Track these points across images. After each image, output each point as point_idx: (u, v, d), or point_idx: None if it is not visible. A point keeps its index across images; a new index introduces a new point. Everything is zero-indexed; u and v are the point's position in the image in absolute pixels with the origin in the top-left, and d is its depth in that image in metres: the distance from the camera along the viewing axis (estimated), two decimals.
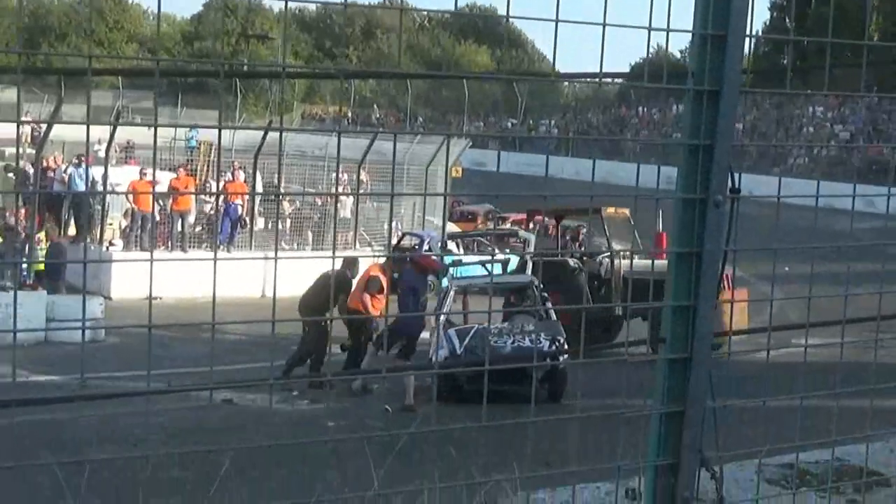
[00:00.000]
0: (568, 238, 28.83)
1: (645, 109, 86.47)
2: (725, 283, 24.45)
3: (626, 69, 73.51)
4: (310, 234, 36.15)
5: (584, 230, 29.60)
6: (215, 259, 3.02)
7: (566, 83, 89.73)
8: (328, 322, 18.37)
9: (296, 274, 18.65)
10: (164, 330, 2.86)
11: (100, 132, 36.20)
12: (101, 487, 5.35)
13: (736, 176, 3.41)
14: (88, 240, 32.72)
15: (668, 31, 3.40)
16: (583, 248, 28.91)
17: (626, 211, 25.46)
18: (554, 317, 21.46)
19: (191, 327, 21.30)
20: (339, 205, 35.76)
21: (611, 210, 26.25)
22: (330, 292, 20.46)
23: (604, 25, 3.31)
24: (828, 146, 61.51)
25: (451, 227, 41.44)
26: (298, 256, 28.78)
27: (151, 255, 3.02)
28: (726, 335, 4.47)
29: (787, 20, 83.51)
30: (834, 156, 60.89)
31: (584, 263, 26.34)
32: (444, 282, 29.30)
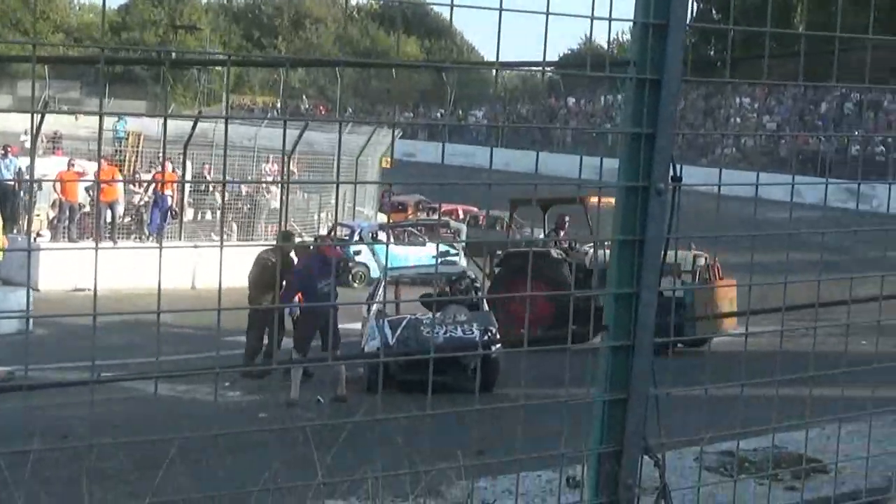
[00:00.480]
0: (552, 228, 28.28)
1: (574, 100, 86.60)
2: (716, 272, 24.17)
3: (555, 58, 73.71)
4: (234, 225, 35.74)
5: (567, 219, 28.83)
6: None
7: (493, 73, 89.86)
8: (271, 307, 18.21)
9: (229, 264, 18.46)
10: (98, 319, 2.81)
11: (25, 122, 35.82)
12: (37, 479, 5.30)
13: (677, 164, 3.43)
14: (16, 231, 32.39)
15: (609, 20, 3.40)
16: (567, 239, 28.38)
17: (613, 200, 24.52)
18: (486, 307, 21.50)
19: (133, 315, 21.02)
20: (269, 195, 35.66)
21: (595, 199, 25.54)
22: (267, 275, 20.30)
23: (547, 14, 3.31)
24: (761, 135, 61.90)
25: (381, 218, 41.47)
26: (248, 244, 28.70)
27: (97, 245, 2.99)
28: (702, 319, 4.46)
29: (714, 11, 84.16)
30: (762, 146, 61.39)
31: (568, 254, 25.99)
32: (376, 272, 29.22)
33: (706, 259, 24.02)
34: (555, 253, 25.74)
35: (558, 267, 24.93)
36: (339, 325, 21.27)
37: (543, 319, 20.23)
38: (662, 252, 3.42)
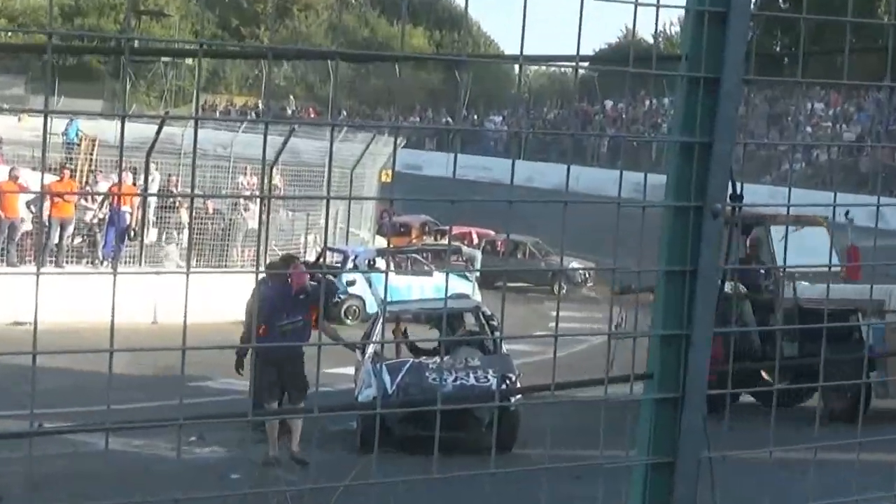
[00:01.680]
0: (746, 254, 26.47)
1: (612, 103, 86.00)
2: None
3: (589, 55, 73.65)
4: (176, 248, 35.28)
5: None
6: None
7: (516, 69, 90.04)
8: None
9: (198, 296, 18.32)
10: (40, 359, 2.77)
11: None
12: None
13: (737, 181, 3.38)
14: None
15: (658, 6, 3.37)
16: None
17: (822, 220, 22.65)
18: (504, 350, 21.28)
19: (81, 354, 20.95)
20: (248, 213, 35.56)
21: (792, 218, 22.81)
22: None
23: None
24: (838, 146, 61.39)
25: (380, 242, 41.48)
26: (221, 272, 28.63)
27: (38, 270, 2.97)
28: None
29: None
30: (835, 160, 61.00)
31: (749, 289, 24.50)
32: (373, 306, 29.17)
33: None
34: (730, 288, 24.33)
35: (739, 305, 23.24)
36: (326, 370, 21.18)
37: (715, 362, 19.47)
38: (719, 286, 3.37)
